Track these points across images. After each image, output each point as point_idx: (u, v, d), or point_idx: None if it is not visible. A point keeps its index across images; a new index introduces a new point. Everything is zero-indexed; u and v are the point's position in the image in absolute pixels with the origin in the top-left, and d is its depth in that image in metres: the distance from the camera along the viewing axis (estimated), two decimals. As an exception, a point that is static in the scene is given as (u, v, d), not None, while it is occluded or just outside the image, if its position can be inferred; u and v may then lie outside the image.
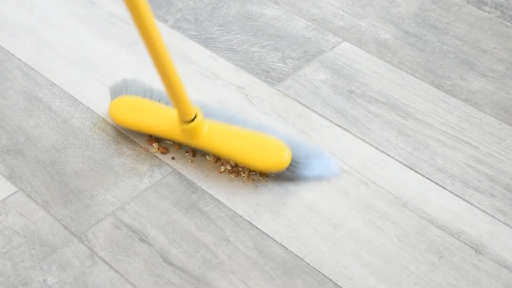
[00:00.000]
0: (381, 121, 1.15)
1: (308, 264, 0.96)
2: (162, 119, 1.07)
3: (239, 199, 1.03)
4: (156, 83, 1.04)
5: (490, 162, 1.09)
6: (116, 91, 1.13)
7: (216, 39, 1.29)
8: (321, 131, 1.13)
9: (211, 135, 1.04)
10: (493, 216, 1.02)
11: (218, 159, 1.07)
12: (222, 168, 1.06)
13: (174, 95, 0.98)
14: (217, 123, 1.05)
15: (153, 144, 1.09)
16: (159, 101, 1.10)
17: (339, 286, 0.93)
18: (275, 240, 0.98)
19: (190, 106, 1.00)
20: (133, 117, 1.10)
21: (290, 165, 1.03)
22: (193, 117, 1.01)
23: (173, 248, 0.97)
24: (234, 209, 1.02)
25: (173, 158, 1.08)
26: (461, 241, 0.99)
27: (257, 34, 1.30)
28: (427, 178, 1.07)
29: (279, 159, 1.02)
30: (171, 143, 1.09)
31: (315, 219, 1.01)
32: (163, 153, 1.08)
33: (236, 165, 1.06)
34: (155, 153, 1.08)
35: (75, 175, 1.05)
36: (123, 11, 1.33)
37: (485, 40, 1.30)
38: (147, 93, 1.12)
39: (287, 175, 1.04)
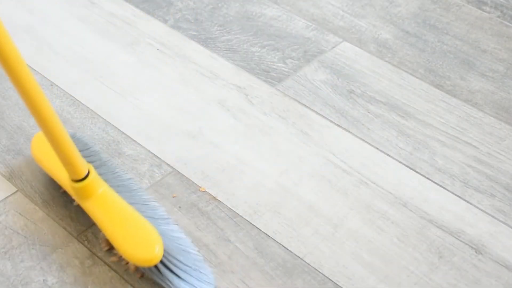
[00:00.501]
0: (381, 121, 1.15)
1: (308, 264, 0.96)
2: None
3: (239, 199, 1.03)
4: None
5: (490, 162, 1.09)
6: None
7: (216, 39, 1.29)
8: (321, 131, 1.13)
9: (98, 202, 0.92)
10: (493, 216, 1.02)
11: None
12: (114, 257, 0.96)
13: (57, 149, 0.86)
14: (110, 192, 0.93)
15: None
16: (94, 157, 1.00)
17: (339, 286, 0.93)
18: (275, 240, 0.98)
19: (78, 164, 0.88)
20: (45, 160, 1.00)
21: (162, 267, 0.89)
22: (82, 176, 0.89)
23: (173, 248, 0.97)
24: (234, 209, 1.02)
25: None
26: (461, 241, 0.99)
27: (257, 34, 1.30)
28: (427, 178, 1.07)
29: (146, 255, 0.88)
30: None
31: (315, 219, 1.01)
32: None
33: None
34: None
35: (75, 175, 1.05)
36: (123, 11, 1.34)
37: (485, 40, 1.30)
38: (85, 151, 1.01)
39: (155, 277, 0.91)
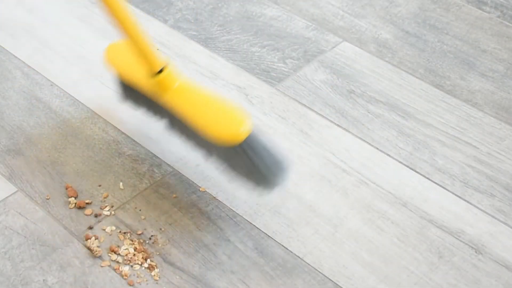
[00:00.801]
0: (381, 121, 1.15)
1: (308, 264, 0.96)
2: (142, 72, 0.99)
3: (239, 199, 1.03)
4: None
5: (490, 162, 1.09)
6: None
7: (216, 39, 1.29)
8: (321, 131, 1.13)
9: (177, 94, 0.96)
10: (493, 216, 1.02)
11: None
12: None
13: (134, 44, 0.92)
14: (190, 83, 0.97)
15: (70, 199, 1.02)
16: None
17: (339, 286, 0.93)
18: (275, 240, 0.98)
19: (154, 57, 0.93)
20: (120, 65, 1.06)
21: (245, 146, 0.93)
22: (159, 69, 0.94)
23: (173, 248, 0.97)
24: (234, 209, 1.02)
25: (95, 215, 1.00)
26: (461, 241, 0.99)
27: (257, 34, 1.30)
28: (427, 178, 1.07)
29: (233, 132, 0.92)
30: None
31: (315, 219, 1.01)
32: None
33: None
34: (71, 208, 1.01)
35: (75, 175, 1.05)
36: (123, 11, 1.34)
37: (485, 40, 1.30)
38: None
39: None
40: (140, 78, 1.00)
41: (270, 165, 0.95)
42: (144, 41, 0.92)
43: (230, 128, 0.92)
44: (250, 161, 0.93)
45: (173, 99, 0.96)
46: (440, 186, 1.06)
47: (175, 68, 0.97)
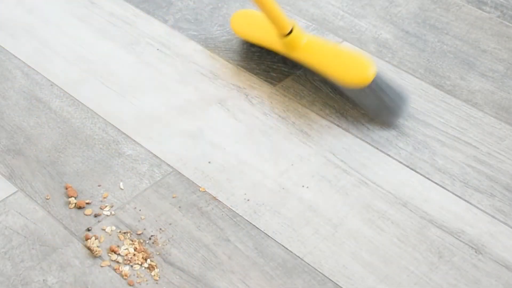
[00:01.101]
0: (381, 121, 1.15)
1: (308, 264, 0.96)
2: (271, 34, 1.15)
3: (239, 199, 1.03)
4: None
5: (490, 162, 1.09)
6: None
7: (216, 39, 1.29)
8: (321, 131, 1.13)
9: (306, 49, 1.14)
10: (493, 216, 1.02)
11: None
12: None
13: (266, 11, 1.09)
14: (315, 38, 1.16)
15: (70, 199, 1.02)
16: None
17: (339, 286, 0.93)
18: (275, 240, 0.98)
19: (284, 21, 1.11)
20: (248, 30, 1.24)
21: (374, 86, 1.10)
22: (288, 31, 1.12)
23: (173, 248, 0.97)
24: (234, 209, 1.02)
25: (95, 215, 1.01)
26: (461, 241, 0.99)
27: (257, 34, 1.30)
28: (427, 178, 1.07)
29: (362, 75, 1.09)
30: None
31: (315, 219, 1.01)
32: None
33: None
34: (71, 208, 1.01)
35: (75, 175, 1.05)
36: (123, 11, 1.34)
37: (485, 40, 1.30)
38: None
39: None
40: (271, 40, 1.18)
41: (394, 99, 1.12)
42: (274, 7, 1.09)
43: (359, 72, 1.10)
44: (378, 98, 1.11)
45: (305, 54, 1.15)
46: (440, 186, 1.06)
47: (301, 28, 1.14)
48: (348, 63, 1.12)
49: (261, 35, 1.21)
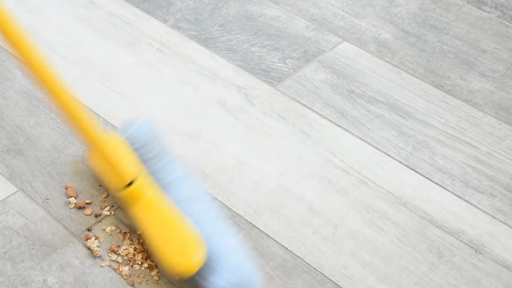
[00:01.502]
0: (381, 121, 1.15)
1: (308, 264, 0.96)
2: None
3: (239, 199, 1.03)
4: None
5: (490, 162, 1.09)
6: (123, 130, 1.00)
7: (216, 39, 1.29)
8: (321, 131, 1.13)
9: (142, 209, 0.92)
10: (493, 216, 1.02)
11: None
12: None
13: (104, 158, 0.89)
14: (158, 196, 0.93)
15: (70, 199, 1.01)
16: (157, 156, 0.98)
17: (339, 286, 0.93)
18: (275, 240, 0.98)
19: (124, 170, 0.90)
20: (99, 162, 1.00)
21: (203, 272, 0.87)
22: (128, 182, 0.91)
23: (173, 248, 0.97)
24: (234, 209, 1.02)
25: (95, 215, 1.00)
26: (461, 241, 0.99)
27: (257, 34, 1.30)
28: (427, 178, 1.07)
29: (184, 264, 0.87)
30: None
31: (315, 219, 1.01)
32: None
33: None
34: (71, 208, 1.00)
35: (75, 175, 1.05)
36: (123, 11, 1.34)
37: (485, 40, 1.30)
38: (148, 144, 0.98)
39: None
40: (112, 186, 0.95)
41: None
42: (114, 154, 0.88)
43: (183, 259, 0.87)
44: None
45: (137, 215, 0.93)
46: (440, 186, 1.06)
47: (146, 179, 0.93)
48: (175, 243, 0.88)
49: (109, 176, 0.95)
